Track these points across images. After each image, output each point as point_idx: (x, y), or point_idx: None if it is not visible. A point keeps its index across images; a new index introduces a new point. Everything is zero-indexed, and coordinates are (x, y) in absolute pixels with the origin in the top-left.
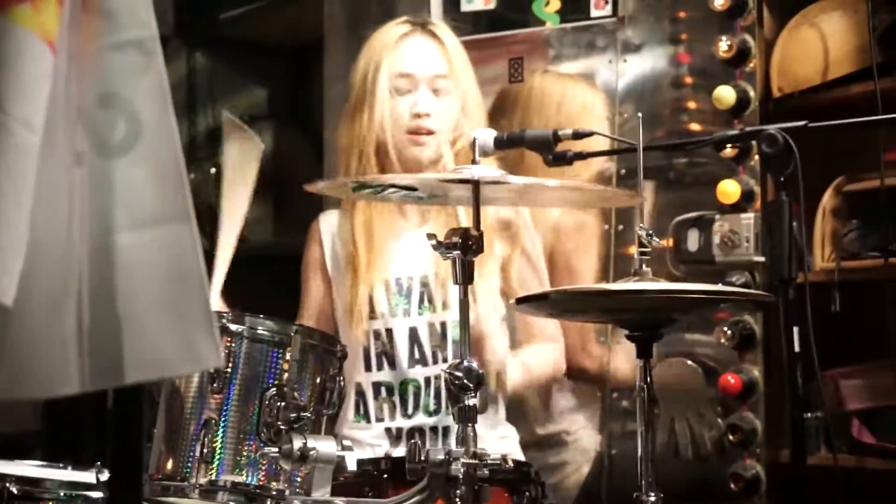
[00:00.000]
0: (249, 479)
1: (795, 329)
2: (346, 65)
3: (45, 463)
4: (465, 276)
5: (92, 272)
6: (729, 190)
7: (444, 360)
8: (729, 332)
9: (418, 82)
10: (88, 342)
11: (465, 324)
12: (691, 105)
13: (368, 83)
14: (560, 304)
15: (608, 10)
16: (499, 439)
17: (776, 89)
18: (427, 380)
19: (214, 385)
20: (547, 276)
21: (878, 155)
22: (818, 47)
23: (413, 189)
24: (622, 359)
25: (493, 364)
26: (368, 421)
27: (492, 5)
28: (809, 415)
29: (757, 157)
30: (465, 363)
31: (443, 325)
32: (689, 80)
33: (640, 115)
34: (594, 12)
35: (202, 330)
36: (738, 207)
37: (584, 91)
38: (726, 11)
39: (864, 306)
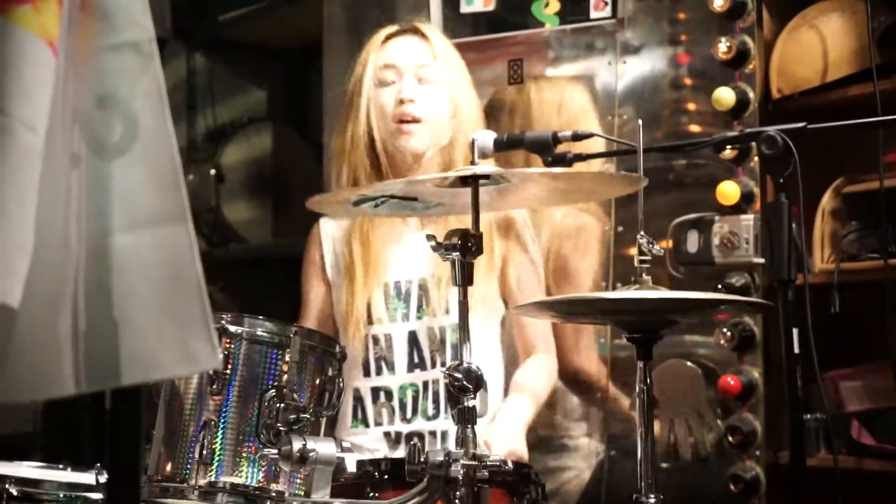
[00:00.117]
0: (249, 480)
1: (795, 330)
2: (345, 67)
3: (44, 464)
4: (465, 278)
5: (88, 273)
6: (728, 191)
7: (443, 365)
8: (728, 333)
9: (402, 72)
10: (85, 343)
11: (464, 325)
12: (691, 106)
13: (356, 85)
14: (560, 305)
15: (607, 11)
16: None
17: (775, 91)
18: (426, 384)
19: (214, 386)
20: (543, 277)
21: (877, 156)
22: (817, 49)
23: (413, 199)
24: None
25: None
26: (367, 426)
27: (491, 7)
28: (809, 416)
29: (756, 158)
30: (465, 364)
31: (442, 329)
32: (688, 81)
33: (640, 122)
34: (593, 14)
35: (199, 331)
36: (737, 209)
37: (580, 95)
38: (725, 13)
39: (864, 308)
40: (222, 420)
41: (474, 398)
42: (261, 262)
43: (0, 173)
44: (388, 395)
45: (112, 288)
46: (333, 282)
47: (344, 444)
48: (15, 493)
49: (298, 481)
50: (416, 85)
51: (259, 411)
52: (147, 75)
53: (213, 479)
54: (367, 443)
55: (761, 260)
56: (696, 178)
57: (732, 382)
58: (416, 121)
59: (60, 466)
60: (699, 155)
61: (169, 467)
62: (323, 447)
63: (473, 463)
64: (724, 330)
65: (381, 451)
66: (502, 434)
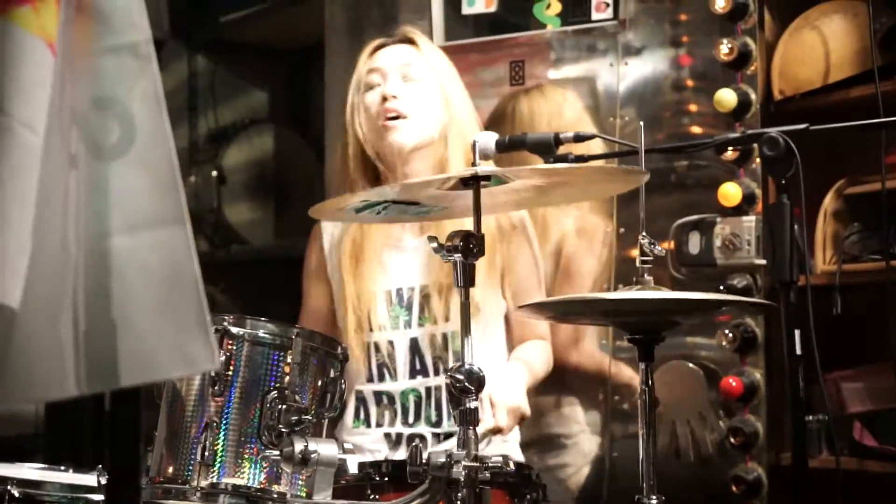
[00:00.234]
0: (251, 481)
1: (797, 332)
2: (346, 68)
3: (45, 466)
4: (466, 279)
5: (87, 275)
6: (730, 193)
7: (446, 371)
8: (730, 334)
9: (387, 73)
10: (84, 345)
11: (466, 326)
12: (692, 108)
13: (349, 97)
14: (561, 306)
15: (609, 13)
16: (500, 441)
17: (777, 92)
18: (428, 390)
19: (216, 388)
20: (544, 276)
21: (879, 158)
22: (819, 50)
23: (415, 203)
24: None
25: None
26: (368, 426)
27: (493, 8)
28: (811, 417)
29: (758, 159)
30: (467, 366)
31: (444, 336)
32: (690, 82)
33: (641, 123)
34: (595, 15)
35: (197, 333)
36: (739, 210)
37: (575, 102)
38: (727, 14)
39: (866, 309)
40: (224, 421)
41: (476, 400)
42: (262, 263)
43: (0, 173)
44: (391, 399)
45: (111, 290)
46: (334, 283)
47: (346, 445)
48: (16, 494)
49: (300, 483)
50: (400, 82)
51: (261, 413)
52: (145, 77)
53: (214, 480)
54: (368, 443)
55: (763, 261)
56: (698, 180)
57: (734, 384)
58: (400, 116)
59: (62, 468)
60: (701, 156)
61: (171, 469)
62: (325, 449)
63: (475, 464)
64: (726, 331)
65: (382, 451)
66: (505, 390)
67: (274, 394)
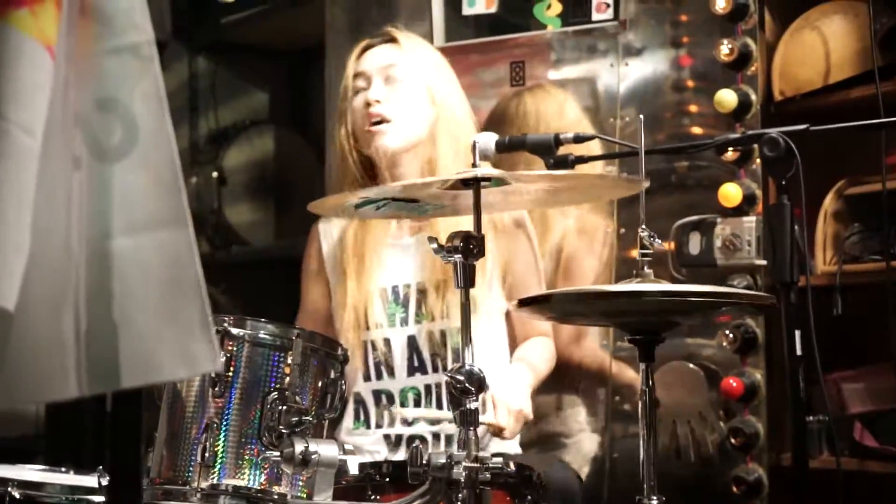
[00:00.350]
0: (251, 483)
1: (797, 332)
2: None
3: (46, 467)
4: (467, 280)
5: (89, 276)
6: (730, 193)
7: (444, 368)
8: (731, 335)
9: (371, 77)
10: (86, 346)
11: (466, 327)
12: (693, 108)
13: (341, 100)
14: (562, 307)
15: (609, 13)
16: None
17: (778, 93)
18: (427, 388)
19: (216, 389)
20: (544, 275)
21: (879, 158)
22: (819, 51)
23: (414, 201)
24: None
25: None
26: (368, 427)
27: (493, 9)
28: (811, 418)
29: (758, 160)
30: (467, 367)
31: (442, 333)
32: (690, 83)
33: (641, 117)
34: (595, 16)
35: (199, 334)
36: (739, 211)
37: (573, 106)
38: (728, 15)
39: (866, 310)
40: (224, 422)
41: (476, 400)
42: (263, 264)
43: None
44: (390, 398)
45: (112, 291)
46: (332, 283)
47: (346, 446)
48: (17, 496)
49: (300, 484)
50: (382, 86)
51: (261, 414)
52: (147, 78)
53: (215, 481)
54: (367, 445)
55: (763, 262)
56: (699, 180)
57: (735, 384)
58: (384, 121)
59: (63, 469)
60: (701, 157)
61: (171, 470)
62: (325, 449)
63: (475, 465)
64: (727, 332)
65: (381, 453)
66: (508, 391)
67: (274, 395)
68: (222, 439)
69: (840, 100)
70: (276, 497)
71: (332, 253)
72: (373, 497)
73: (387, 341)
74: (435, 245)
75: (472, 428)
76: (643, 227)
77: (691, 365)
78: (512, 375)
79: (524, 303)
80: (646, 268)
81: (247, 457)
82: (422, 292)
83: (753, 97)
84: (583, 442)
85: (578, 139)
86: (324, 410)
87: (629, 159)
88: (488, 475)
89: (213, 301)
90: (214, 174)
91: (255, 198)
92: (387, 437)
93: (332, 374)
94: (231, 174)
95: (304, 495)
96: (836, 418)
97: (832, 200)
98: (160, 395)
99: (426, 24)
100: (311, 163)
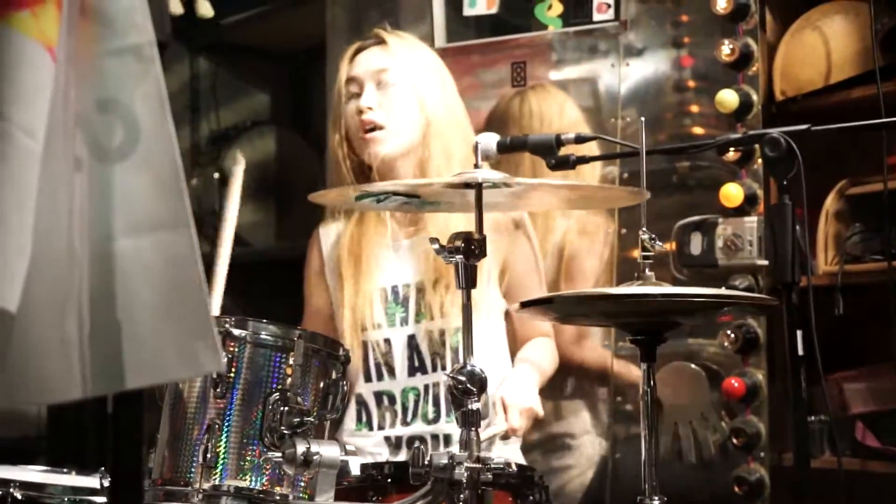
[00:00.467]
0: (253, 483)
1: (799, 332)
2: None
3: (48, 468)
4: (468, 280)
5: (91, 278)
6: (732, 193)
7: (444, 368)
8: (732, 335)
9: (363, 82)
10: (89, 348)
11: (468, 328)
12: (694, 109)
13: (335, 104)
14: (564, 308)
15: (610, 14)
16: (501, 445)
17: (779, 93)
18: (426, 387)
19: (217, 390)
20: (544, 274)
21: (880, 158)
22: (821, 51)
23: (415, 196)
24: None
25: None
26: (371, 429)
27: (494, 9)
28: (813, 418)
29: (760, 160)
30: (468, 367)
31: (441, 332)
32: (691, 83)
33: (643, 119)
34: (596, 16)
35: (201, 335)
36: (740, 211)
37: (572, 108)
38: (729, 15)
39: (868, 310)
40: (226, 423)
41: (478, 401)
42: (264, 265)
43: None
44: (391, 399)
45: (115, 292)
46: (332, 286)
47: (348, 447)
48: (19, 496)
49: (302, 485)
50: (374, 92)
51: (263, 415)
52: (148, 79)
53: (216, 482)
54: (369, 446)
55: (765, 262)
56: (700, 181)
57: (736, 385)
58: (377, 127)
59: (65, 470)
60: (702, 157)
61: (172, 471)
62: (327, 450)
63: (477, 465)
64: (728, 332)
65: (383, 455)
66: (517, 391)
67: (276, 395)
68: (224, 440)
69: (841, 100)
70: (277, 498)
71: (331, 256)
72: (374, 498)
73: (387, 341)
74: (436, 246)
75: (473, 428)
76: (644, 230)
77: (693, 365)
78: (517, 375)
79: (526, 304)
80: (647, 270)
81: (248, 458)
82: (420, 291)
83: (755, 97)
84: (586, 444)
85: (580, 139)
86: (325, 411)
87: (630, 159)
88: (490, 476)
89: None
90: (216, 175)
91: (256, 199)
92: (387, 439)
93: (334, 375)
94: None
95: (306, 496)
96: (838, 418)
97: (833, 200)
98: (162, 395)
99: (427, 25)
100: (313, 164)
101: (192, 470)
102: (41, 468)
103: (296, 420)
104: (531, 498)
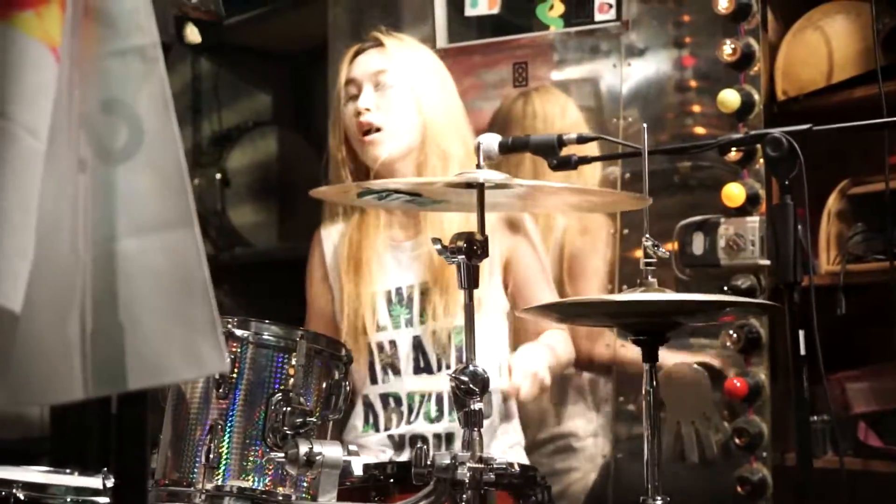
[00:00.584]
0: (256, 484)
1: (801, 332)
2: None
3: (51, 469)
4: (471, 281)
5: (95, 278)
6: (734, 193)
7: (448, 368)
8: (735, 335)
9: (361, 83)
10: (92, 348)
11: (470, 328)
12: (696, 109)
13: (335, 106)
14: (567, 309)
15: (612, 14)
16: (507, 447)
17: (780, 93)
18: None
19: (220, 390)
20: (549, 273)
21: (882, 158)
22: (822, 50)
23: (417, 195)
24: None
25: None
26: (377, 430)
27: (496, 10)
28: (815, 418)
29: (761, 160)
30: (471, 367)
31: (447, 332)
32: (693, 83)
33: (644, 126)
34: (598, 16)
35: (206, 335)
36: (742, 211)
37: (573, 109)
38: (730, 15)
39: (870, 309)
40: (229, 424)
41: (480, 401)
42: (266, 265)
43: (2, 177)
44: (398, 400)
45: (119, 293)
46: (335, 288)
47: (350, 447)
48: (22, 497)
49: (305, 485)
50: (372, 93)
51: (265, 415)
52: (152, 80)
53: (219, 483)
54: (374, 444)
55: (767, 262)
56: (702, 181)
57: (739, 384)
58: (375, 129)
59: (68, 471)
60: (704, 157)
61: (176, 471)
62: (329, 451)
63: (480, 466)
64: (731, 332)
65: (388, 452)
66: (525, 357)
67: (278, 396)
68: (227, 441)
69: (843, 100)
70: (280, 498)
71: (333, 258)
72: (377, 498)
73: (392, 343)
74: (439, 246)
75: (476, 428)
76: (647, 236)
77: (695, 365)
78: (527, 347)
79: (528, 310)
80: (649, 277)
81: (251, 458)
82: (424, 292)
83: (756, 97)
84: (590, 446)
85: (581, 140)
86: (328, 411)
87: (632, 159)
88: (493, 476)
89: (217, 302)
90: (218, 176)
91: (259, 199)
92: (391, 436)
93: (337, 375)
94: (234, 176)
95: (309, 497)
96: (840, 418)
97: (835, 200)
98: (164, 396)
99: (429, 26)
100: (315, 164)
101: (195, 470)
102: (44, 469)
103: (298, 420)
104: (533, 498)
